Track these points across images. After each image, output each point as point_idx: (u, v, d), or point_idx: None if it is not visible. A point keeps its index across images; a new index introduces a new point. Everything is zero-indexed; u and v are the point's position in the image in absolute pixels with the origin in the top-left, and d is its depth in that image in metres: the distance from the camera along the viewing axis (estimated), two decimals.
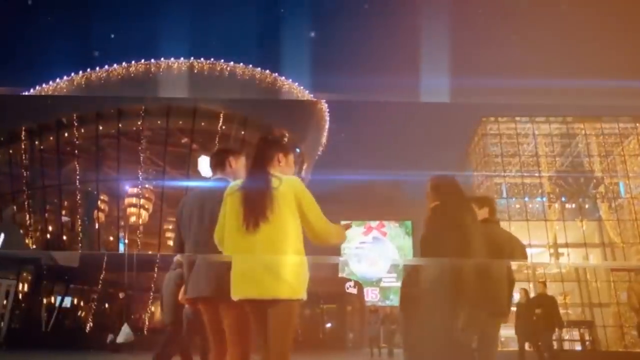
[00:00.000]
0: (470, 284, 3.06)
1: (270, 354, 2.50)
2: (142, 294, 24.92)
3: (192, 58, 27.64)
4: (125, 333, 12.14)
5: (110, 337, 13.76)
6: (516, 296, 10.51)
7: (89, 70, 27.85)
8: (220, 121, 26.75)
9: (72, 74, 27.95)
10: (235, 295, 2.55)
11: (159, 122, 26.96)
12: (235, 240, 2.59)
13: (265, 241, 2.52)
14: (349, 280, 27.96)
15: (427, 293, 3.12)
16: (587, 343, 25.92)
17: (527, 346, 9.64)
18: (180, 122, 27.19)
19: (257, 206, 2.55)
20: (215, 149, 3.34)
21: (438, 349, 3.05)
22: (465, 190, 3.43)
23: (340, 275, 31.55)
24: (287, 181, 2.61)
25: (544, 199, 31.33)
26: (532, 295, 10.63)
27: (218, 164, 3.13)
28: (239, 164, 3.15)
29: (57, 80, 28.02)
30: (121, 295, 15.05)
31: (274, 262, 2.50)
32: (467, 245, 3.11)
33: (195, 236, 2.93)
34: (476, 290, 3.09)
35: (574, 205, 31.51)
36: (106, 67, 27.77)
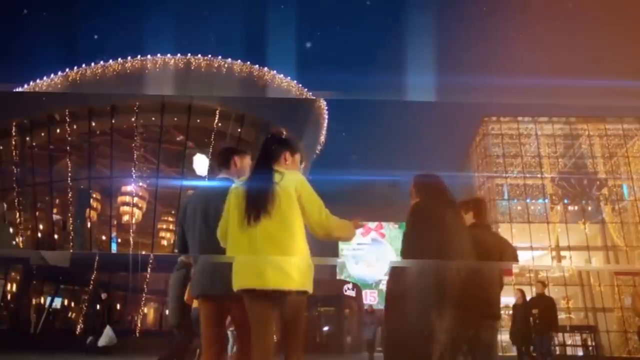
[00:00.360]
0: (452, 283, 3.01)
1: (286, 350, 2.53)
2: (135, 295, 24.36)
3: (189, 54, 27.10)
4: (107, 336, 11.60)
5: (90, 339, 13.16)
6: (511, 298, 10.02)
7: (83, 65, 27.30)
8: (217, 118, 26.13)
9: (67, 69, 27.44)
10: (235, 286, 2.57)
11: (153, 118, 26.33)
12: (236, 234, 2.61)
13: (266, 234, 2.54)
14: (347, 282, 27.43)
15: (408, 292, 3.07)
16: (590, 348, 25.50)
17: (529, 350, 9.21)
18: (175, 119, 26.57)
19: (258, 200, 2.57)
20: (220, 149, 3.35)
21: (417, 348, 3.02)
22: (448, 188, 3.37)
23: (338, 277, 31.07)
24: (289, 175, 2.64)
25: (546, 200, 30.95)
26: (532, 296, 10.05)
27: (223, 164, 3.16)
28: (244, 164, 3.17)
29: (52, 75, 27.49)
30: (104, 296, 14.46)
31: (275, 254, 2.52)
32: (447, 244, 3.06)
33: (199, 235, 2.95)
34: (461, 290, 3.04)
35: (576, 208, 31.12)
36: (102, 62, 27.20)
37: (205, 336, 2.92)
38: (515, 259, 3.94)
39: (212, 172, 26.37)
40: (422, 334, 2.99)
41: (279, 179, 2.62)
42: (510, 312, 10.21)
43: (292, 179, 2.64)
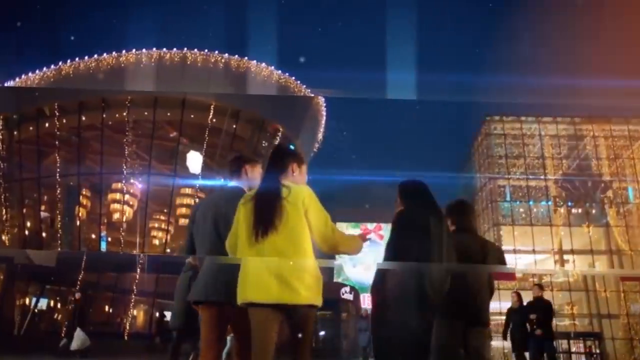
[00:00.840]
0: (435, 292, 3.00)
1: None
2: (125, 296, 23.58)
3: (185, 49, 26.32)
4: (79, 339, 10.88)
5: (63, 342, 12.41)
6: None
7: (77, 59, 26.52)
8: (211, 114, 25.29)
9: (60, 63, 26.69)
10: (240, 299, 2.58)
11: (145, 113, 25.50)
12: (245, 249, 2.65)
13: (273, 250, 2.57)
14: (345, 285, 26.67)
15: (390, 301, 3.06)
16: (595, 356, 24.88)
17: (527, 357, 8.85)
18: (168, 114, 25.74)
19: (265, 216, 2.60)
20: (232, 157, 3.35)
21: (402, 354, 3.01)
22: (434, 196, 3.34)
23: (335, 280, 30.28)
24: (296, 190, 2.66)
25: (550, 202, 30.35)
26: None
27: (234, 172, 3.17)
28: (255, 173, 3.18)
29: (44, 69, 26.79)
30: (77, 295, 13.71)
31: (283, 269, 2.54)
32: (428, 253, 3.05)
33: (209, 241, 2.98)
34: (445, 299, 3.04)
35: (580, 210, 30.48)
36: (95, 56, 26.43)
37: (205, 340, 2.95)
38: (501, 263, 3.85)
39: (206, 169, 25.71)
40: (406, 343, 2.97)
41: (286, 193, 2.63)
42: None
43: (299, 193, 2.65)
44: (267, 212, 2.61)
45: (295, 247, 2.59)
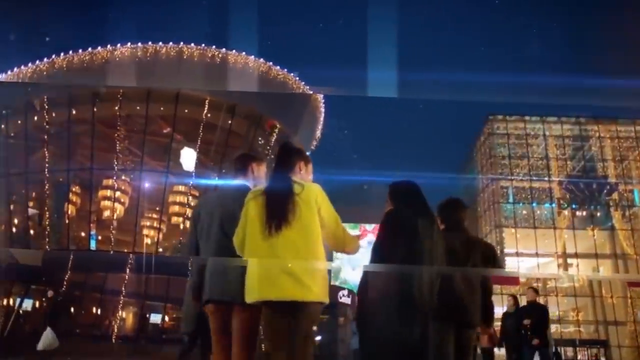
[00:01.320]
0: (422, 293, 2.92)
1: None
2: (113, 297, 22.74)
3: (181, 43, 25.52)
4: (47, 338, 9.99)
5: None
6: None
7: (70, 52, 25.70)
8: (206, 109, 24.45)
9: (54, 56, 25.87)
10: (251, 298, 2.60)
11: (138, 107, 24.64)
12: (256, 244, 2.65)
13: (287, 245, 2.60)
14: (343, 288, 25.90)
15: (375, 300, 2.99)
16: None
17: None
18: (162, 109, 24.87)
19: (279, 210, 2.63)
20: (239, 154, 3.39)
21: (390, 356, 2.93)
22: (424, 195, 3.25)
23: (333, 283, 29.56)
24: (309, 187, 2.72)
25: (553, 205, 29.84)
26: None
27: (240, 169, 3.18)
28: (261, 171, 3.21)
29: (37, 62, 25.93)
30: (50, 293, 12.89)
31: (295, 265, 2.57)
32: (416, 253, 3.00)
33: (215, 240, 2.95)
34: (433, 300, 2.98)
35: (584, 213, 29.97)
36: (89, 49, 25.60)
37: (215, 342, 2.94)
38: (492, 262, 3.76)
39: (200, 166, 24.91)
40: (389, 345, 2.90)
41: (299, 190, 2.66)
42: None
43: (312, 191, 2.68)
44: (280, 206, 2.62)
45: (308, 243, 2.61)
